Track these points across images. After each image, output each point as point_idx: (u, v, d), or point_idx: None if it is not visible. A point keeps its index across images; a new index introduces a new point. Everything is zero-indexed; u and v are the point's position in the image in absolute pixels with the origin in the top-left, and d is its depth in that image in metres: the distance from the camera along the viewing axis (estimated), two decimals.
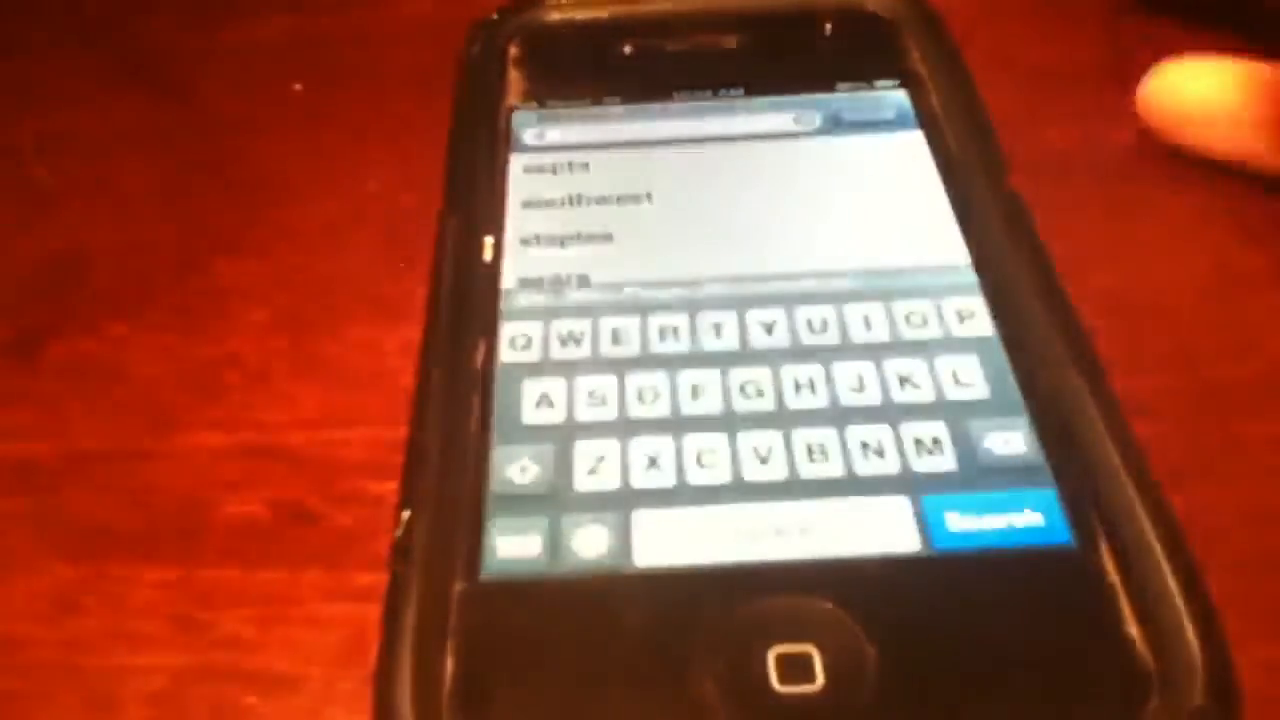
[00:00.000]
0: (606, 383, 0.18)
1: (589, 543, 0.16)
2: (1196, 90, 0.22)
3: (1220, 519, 0.17)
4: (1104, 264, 0.21)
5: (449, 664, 0.14)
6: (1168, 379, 0.19)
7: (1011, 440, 0.17)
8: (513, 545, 0.16)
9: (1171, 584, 0.14)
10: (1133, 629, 0.14)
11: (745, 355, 0.18)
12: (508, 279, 0.20)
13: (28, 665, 0.17)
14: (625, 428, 0.17)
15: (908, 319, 0.19)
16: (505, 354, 0.19)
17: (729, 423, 0.17)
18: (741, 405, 0.17)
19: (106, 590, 0.18)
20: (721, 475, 0.16)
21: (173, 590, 0.18)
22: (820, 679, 0.14)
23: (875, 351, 0.18)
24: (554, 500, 0.16)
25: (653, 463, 0.17)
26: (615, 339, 0.19)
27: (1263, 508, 0.17)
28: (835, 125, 0.23)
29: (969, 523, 0.16)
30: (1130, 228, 0.22)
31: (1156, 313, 0.21)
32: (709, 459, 0.17)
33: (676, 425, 0.17)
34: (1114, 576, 0.15)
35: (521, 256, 0.20)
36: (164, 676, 0.16)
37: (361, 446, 0.20)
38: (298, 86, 0.28)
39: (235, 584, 0.18)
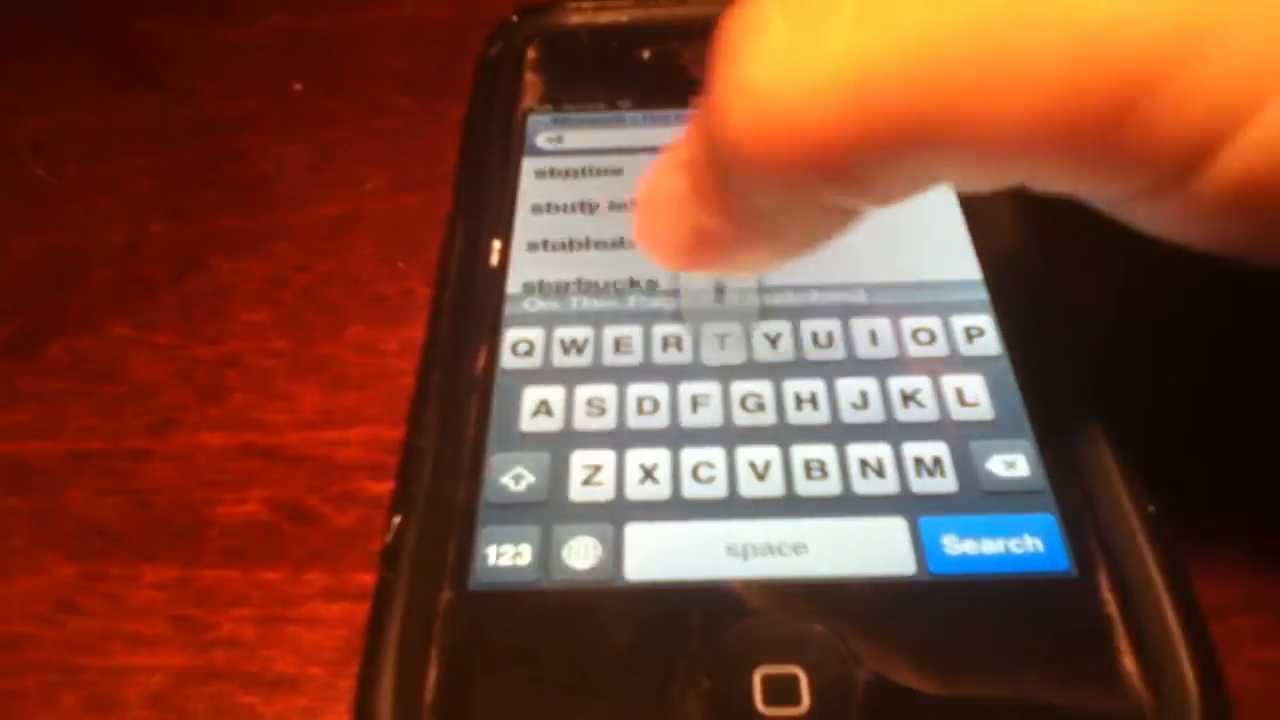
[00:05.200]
0: (606, 392, 0.18)
1: (580, 555, 0.16)
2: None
3: (1217, 521, 0.17)
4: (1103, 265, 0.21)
5: (432, 673, 0.14)
6: (1166, 379, 0.19)
7: (1014, 463, 0.16)
8: (503, 554, 0.16)
9: (1171, 619, 0.14)
10: (1129, 662, 0.14)
11: (748, 368, 0.18)
12: (513, 284, 0.20)
13: (28, 665, 0.17)
14: (623, 438, 0.17)
15: (915, 335, 0.18)
16: (506, 359, 0.18)
17: (727, 437, 0.17)
18: (741, 419, 0.17)
19: (106, 590, 0.18)
20: (717, 490, 0.16)
21: (173, 590, 0.18)
22: (806, 702, 0.14)
23: (880, 368, 0.18)
24: (547, 510, 0.16)
25: (648, 475, 0.16)
26: (618, 348, 0.18)
27: (1259, 510, 0.17)
28: None
29: (967, 546, 0.15)
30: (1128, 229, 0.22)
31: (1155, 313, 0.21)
32: (705, 473, 0.16)
33: (674, 437, 0.17)
34: (1113, 607, 0.14)
35: (528, 261, 0.20)
36: (164, 676, 0.17)
37: (361, 446, 0.20)
38: (298, 86, 0.28)
39: (235, 584, 0.18)
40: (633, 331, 0.19)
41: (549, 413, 0.18)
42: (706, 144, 0.12)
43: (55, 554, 0.18)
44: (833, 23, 0.11)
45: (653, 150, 0.23)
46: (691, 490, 0.16)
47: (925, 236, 0.20)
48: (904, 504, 0.16)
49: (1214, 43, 0.10)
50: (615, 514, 0.16)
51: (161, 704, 0.16)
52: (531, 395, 0.18)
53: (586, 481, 0.16)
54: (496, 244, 0.20)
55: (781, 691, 0.14)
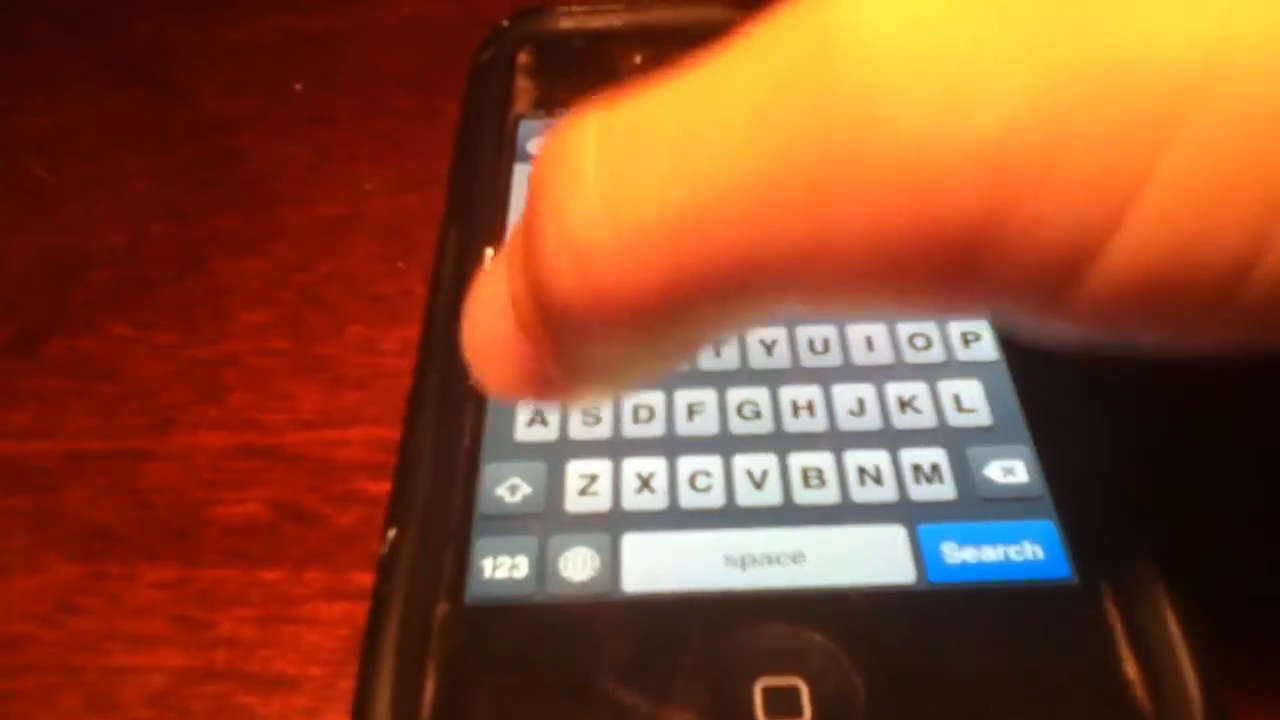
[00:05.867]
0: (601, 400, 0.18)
1: (577, 566, 0.15)
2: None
3: (1218, 523, 0.17)
4: None
5: (429, 686, 0.14)
6: (1165, 382, 0.19)
7: (1013, 469, 0.16)
8: (499, 566, 0.15)
9: (1172, 625, 0.14)
10: (1131, 670, 0.14)
11: (744, 375, 0.18)
12: None
13: (28, 665, 0.17)
14: (619, 448, 0.17)
15: (911, 341, 0.18)
16: None
17: (724, 445, 0.17)
18: (738, 427, 0.17)
19: (106, 590, 0.18)
20: (715, 499, 0.16)
21: (173, 590, 0.18)
22: (807, 713, 0.14)
23: (877, 374, 0.18)
24: (543, 521, 0.16)
25: (645, 485, 0.16)
26: None
27: (1260, 511, 0.17)
28: None
29: (967, 554, 0.15)
30: None
31: None
32: (702, 482, 0.16)
33: (671, 446, 0.17)
34: (1113, 614, 0.14)
35: None
36: (164, 676, 0.17)
37: (360, 446, 0.20)
38: (298, 86, 0.28)
39: (235, 584, 0.18)
40: None
41: (544, 422, 0.17)
42: (528, 287, 0.12)
43: (55, 554, 0.18)
44: (646, 172, 0.10)
45: None
46: (689, 500, 0.16)
47: None
48: (902, 512, 0.16)
49: (1055, 166, 0.09)
50: (612, 524, 0.16)
51: (161, 704, 0.16)
52: (526, 405, 0.18)
53: (583, 492, 0.16)
54: (489, 251, 0.20)
55: (782, 703, 0.14)
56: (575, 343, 0.12)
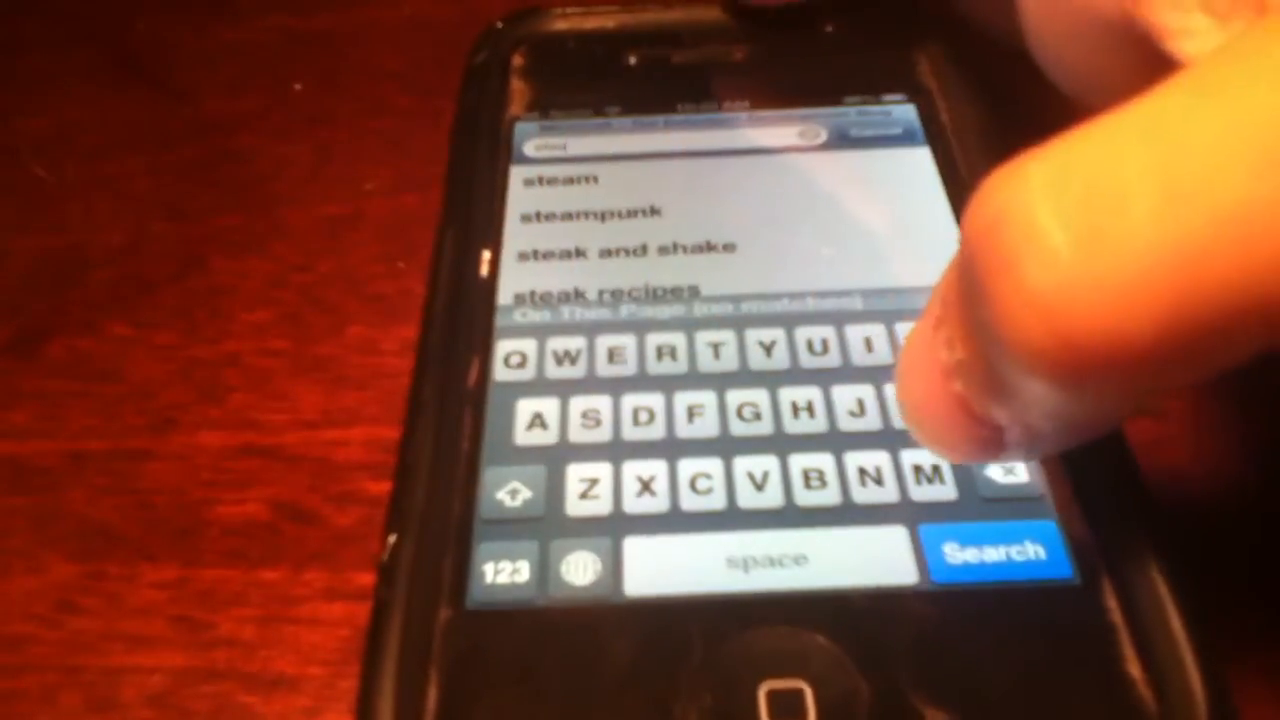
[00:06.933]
0: (601, 403, 0.17)
1: (579, 570, 0.15)
2: None
3: (1220, 524, 0.17)
4: None
5: (432, 693, 0.14)
6: None
7: (1013, 469, 0.16)
8: (500, 571, 0.15)
9: (1175, 624, 0.14)
10: (1134, 668, 0.14)
11: (743, 377, 0.18)
12: (504, 294, 0.19)
13: (28, 665, 0.17)
14: (619, 450, 0.17)
15: None
16: (499, 372, 0.18)
17: (725, 447, 0.17)
18: (738, 429, 0.17)
19: (106, 590, 0.18)
20: (716, 501, 0.16)
21: (173, 590, 0.18)
22: (812, 716, 0.14)
23: (876, 375, 0.18)
24: (544, 525, 0.16)
25: (646, 487, 0.16)
26: (611, 358, 0.18)
27: (1262, 511, 0.17)
28: (841, 140, 0.22)
29: (968, 555, 0.15)
30: None
31: None
32: (703, 484, 0.16)
33: (671, 449, 0.17)
34: (1116, 613, 0.14)
35: (519, 271, 0.20)
36: (164, 676, 0.17)
37: (360, 446, 0.20)
38: (298, 86, 0.28)
39: (235, 584, 0.18)
40: (626, 341, 0.18)
41: (543, 425, 0.17)
42: (983, 352, 0.11)
43: (55, 554, 0.18)
44: (1128, 215, 0.10)
45: (640, 157, 0.23)
46: (690, 502, 0.16)
47: (918, 240, 0.20)
48: (904, 512, 0.16)
49: None
50: (613, 528, 0.16)
51: (161, 704, 0.16)
52: (525, 408, 0.18)
53: (583, 495, 0.16)
54: (486, 254, 0.20)
55: (786, 706, 0.14)
56: (1043, 402, 0.11)
